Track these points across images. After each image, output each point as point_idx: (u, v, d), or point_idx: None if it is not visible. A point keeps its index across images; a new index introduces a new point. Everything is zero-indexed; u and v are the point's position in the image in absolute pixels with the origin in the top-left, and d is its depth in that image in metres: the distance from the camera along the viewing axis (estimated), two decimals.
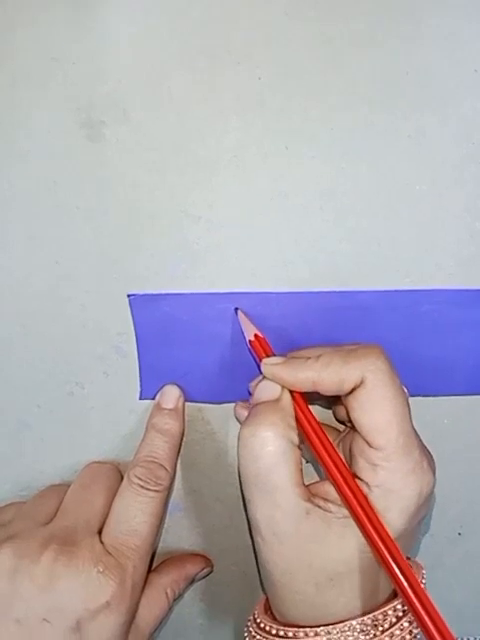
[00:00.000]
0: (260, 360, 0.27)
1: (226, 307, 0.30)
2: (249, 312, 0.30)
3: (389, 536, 0.24)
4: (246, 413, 0.27)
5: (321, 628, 0.24)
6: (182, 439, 0.31)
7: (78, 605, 0.26)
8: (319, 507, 0.25)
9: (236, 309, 0.30)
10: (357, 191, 0.30)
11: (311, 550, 0.25)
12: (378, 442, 0.25)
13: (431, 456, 0.27)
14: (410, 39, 0.29)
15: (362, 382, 0.25)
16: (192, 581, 0.32)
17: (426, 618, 0.22)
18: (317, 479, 0.29)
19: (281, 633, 0.25)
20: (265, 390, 0.27)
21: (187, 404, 0.31)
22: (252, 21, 0.29)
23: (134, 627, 0.28)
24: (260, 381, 0.27)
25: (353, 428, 0.26)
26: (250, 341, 0.29)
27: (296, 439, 0.26)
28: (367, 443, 0.25)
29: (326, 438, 0.26)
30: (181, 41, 0.29)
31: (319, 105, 0.30)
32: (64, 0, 0.29)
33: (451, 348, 0.31)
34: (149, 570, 0.30)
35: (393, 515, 0.24)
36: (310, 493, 0.25)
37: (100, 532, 0.28)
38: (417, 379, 0.31)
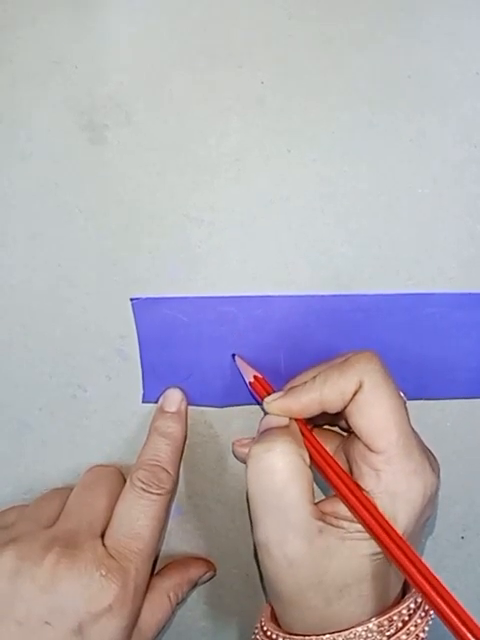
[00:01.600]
0: (262, 400, 0.28)
1: (228, 310, 0.30)
2: (250, 315, 0.30)
3: (408, 546, 0.23)
4: (246, 450, 0.27)
5: (326, 636, 0.24)
6: (185, 442, 0.31)
7: (80, 608, 0.26)
8: (331, 525, 0.25)
9: (233, 355, 0.31)
10: (358, 193, 0.30)
11: (321, 567, 0.24)
12: (378, 445, 0.25)
13: (434, 457, 0.27)
14: (410, 39, 0.29)
15: (360, 386, 0.25)
16: (195, 585, 0.32)
17: (454, 618, 0.22)
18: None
19: None
20: (273, 420, 0.27)
21: (189, 407, 0.31)
22: (253, 22, 0.29)
23: (137, 631, 0.28)
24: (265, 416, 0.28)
25: (353, 434, 0.26)
26: (250, 383, 0.29)
27: (308, 458, 0.26)
28: (368, 448, 0.25)
29: (333, 459, 0.26)
30: (181, 42, 0.29)
31: (320, 106, 0.30)
32: (64, 1, 0.29)
33: (453, 351, 0.31)
34: (152, 573, 0.30)
35: (401, 517, 0.24)
36: (320, 512, 0.25)
37: (103, 535, 0.28)
38: (419, 382, 0.31)
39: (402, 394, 0.26)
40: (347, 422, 0.26)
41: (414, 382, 0.31)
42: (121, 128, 0.30)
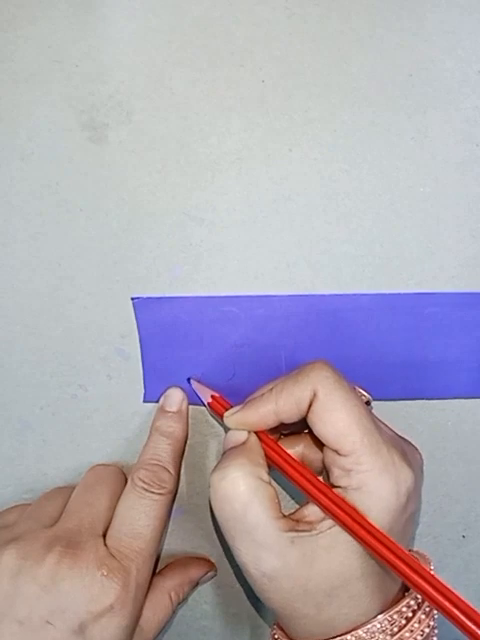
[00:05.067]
0: (221, 417, 0.28)
1: (230, 310, 0.30)
2: (251, 315, 0.30)
3: (374, 526, 0.24)
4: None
5: None
6: (186, 442, 0.31)
7: (81, 608, 0.26)
8: (304, 531, 0.25)
9: (189, 379, 0.31)
10: (360, 193, 0.30)
11: (302, 575, 0.24)
12: (344, 448, 0.25)
13: (416, 450, 0.27)
14: (412, 38, 0.29)
15: (315, 395, 0.25)
16: (196, 585, 0.32)
17: (435, 593, 0.22)
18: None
19: None
20: (232, 437, 0.27)
21: (191, 407, 0.31)
22: (254, 20, 0.29)
23: (138, 630, 0.28)
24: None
25: (323, 446, 0.26)
26: (208, 403, 0.30)
27: (266, 476, 0.26)
28: (336, 453, 0.25)
29: (296, 461, 0.26)
30: (182, 41, 0.29)
31: (321, 105, 0.30)
32: (66, 0, 0.29)
33: (455, 350, 0.31)
34: (153, 573, 0.30)
35: (376, 515, 0.24)
36: (292, 522, 0.25)
37: (104, 535, 0.28)
38: (421, 381, 0.31)
39: (365, 393, 0.27)
40: (312, 433, 0.26)
41: (415, 381, 0.31)
42: (122, 127, 0.30)
